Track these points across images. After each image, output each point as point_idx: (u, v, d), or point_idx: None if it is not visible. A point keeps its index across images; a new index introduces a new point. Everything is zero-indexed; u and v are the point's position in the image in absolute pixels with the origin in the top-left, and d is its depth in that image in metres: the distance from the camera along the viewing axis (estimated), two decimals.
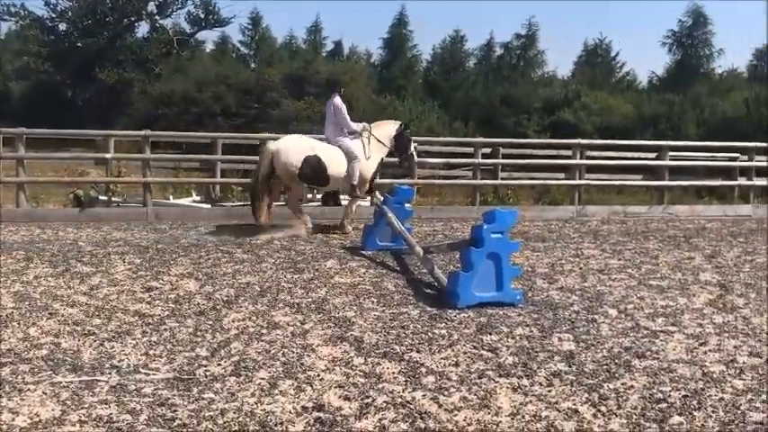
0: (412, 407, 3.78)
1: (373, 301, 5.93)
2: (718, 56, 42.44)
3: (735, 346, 4.95)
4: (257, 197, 9.35)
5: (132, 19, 35.46)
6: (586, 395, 4.00)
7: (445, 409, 3.75)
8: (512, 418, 3.66)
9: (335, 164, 9.37)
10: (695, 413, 3.79)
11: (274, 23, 75.52)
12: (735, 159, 14.87)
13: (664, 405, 3.89)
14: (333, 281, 6.66)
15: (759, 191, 14.46)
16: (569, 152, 13.48)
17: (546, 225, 11.02)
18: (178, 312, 5.58)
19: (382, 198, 9.04)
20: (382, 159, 10.02)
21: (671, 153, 13.76)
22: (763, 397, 4.04)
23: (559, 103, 32.07)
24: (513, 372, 4.34)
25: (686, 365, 4.54)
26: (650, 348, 4.86)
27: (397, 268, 7.37)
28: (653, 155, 14.05)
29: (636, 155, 14.82)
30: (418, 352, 4.67)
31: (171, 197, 13.17)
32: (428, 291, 6.40)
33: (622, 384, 4.18)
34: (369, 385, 4.07)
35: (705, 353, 4.81)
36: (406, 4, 56.31)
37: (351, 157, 9.46)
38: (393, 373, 4.28)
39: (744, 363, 4.63)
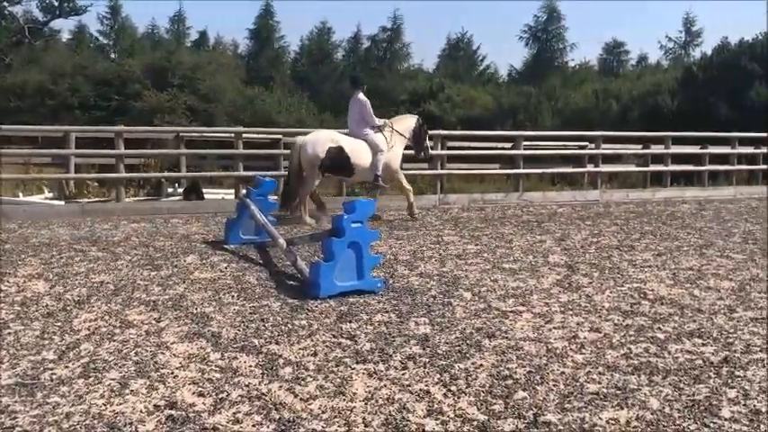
0: (267, 398, 3.78)
1: (233, 296, 5.87)
2: (571, 50, 45.02)
3: (577, 323, 5.28)
4: (291, 192, 9.74)
5: None
6: (438, 376, 4.15)
7: (301, 399, 3.78)
8: (365, 403, 3.74)
9: (359, 155, 9.86)
10: (538, 387, 4.02)
11: (135, 13, 72.84)
12: (584, 147, 15.81)
13: (509, 381, 4.10)
14: (192, 277, 6.52)
15: (606, 177, 15.48)
16: (432, 143, 13.83)
17: None
18: (24, 315, 5.28)
19: (245, 190, 8.95)
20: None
21: (526, 143, 14.45)
22: (600, 369, 4.34)
23: (425, 96, 32.90)
24: (369, 358, 4.43)
25: (532, 343, 4.80)
26: (500, 328, 5.10)
27: (261, 261, 7.32)
28: (509, 144, 14.69)
29: (494, 144, 15.44)
30: (277, 344, 4.67)
31: (21, 194, 12.44)
32: (291, 282, 6.41)
33: (472, 364, 4.36)
34: (224, 380, 4.04)
35: (550, 330, 5.10)
36: None
37: (376, 150, 9.97)
38: (250, 366, 4.26)
39: (584, 338, 4.94)
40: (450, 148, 14.41)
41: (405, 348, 4.62)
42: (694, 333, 5.08)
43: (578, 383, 4.10)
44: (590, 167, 15.24)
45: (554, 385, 4.07)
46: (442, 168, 13.56)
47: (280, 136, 14.43)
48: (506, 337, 4.89)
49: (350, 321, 5.19)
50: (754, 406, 3.81)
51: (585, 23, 72.18)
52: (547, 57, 42.99)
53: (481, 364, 4.36)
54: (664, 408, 3.78)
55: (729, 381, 4.17)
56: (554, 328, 5.16)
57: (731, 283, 6.64)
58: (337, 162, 9.71)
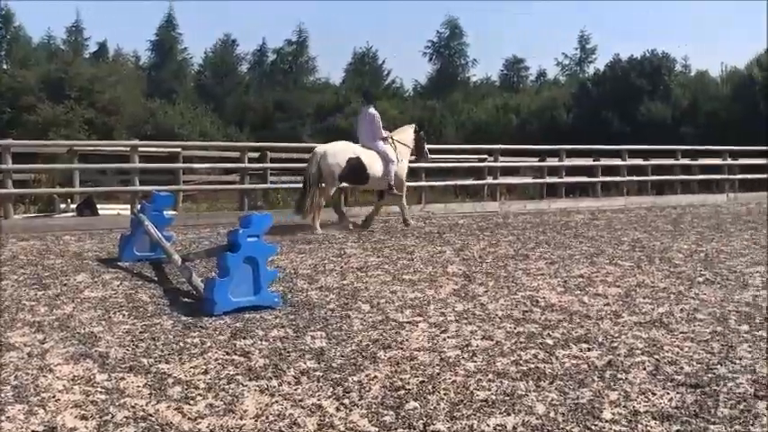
0: (154, 419, 3.67)
1: (124, 314, 5.68)
2: (473, 65, 46.20)
3: (471, 332, 5.39)
4: (306, 197, 10.35)
5: None
6: (332, 390, 4.14)
7: (189, 418, 3.70)
8: (256, 420, 3.70)
9: (374, 165, 10.56)
10: (429, 397, 4.08)
11: (29, 22, 69.92)
12: (483, 161, 16.22)
13: (402, 392, 4.13)
14: (82, 296, 6.28)
15: (505, 188, 15.92)
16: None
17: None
18: None
19: (140, 205, 8.72)
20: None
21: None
22: (490, 376, 4.44)
23: (331, 109, 33.00)
24: (262, 374, 4.38)
25: (427, 353, 4.86)
26: (396, 339, 5.14)
27: (155, 278, 7.14)
28: (413, 157, 14.88)
29: None
30: (167, 363, 4.55)
31: None
32: (186, 300, 6.27)
33: (366, 376, 4.38)
34: (110, 402, 3.89)
35: (444, 339, 5.18)
36: (174, 4, 54.46)
37: (388, 160, 10.69)
38: (138, 386, 4.13)
39: (477, 346, 5.05)
40: None
41: (299, 363, 4.59)
42: (581, 338, 5.27)
43: (468, 391, 4.18)
44: (490, 180, 15.63)
45: (445, 394, 4.13)
46: None
47: (179, 149, 14.13)
48: (402, 348, 4.94)
49: (244, 338, 5.12)
50: (634, 407, 3.99)
51: (486, 40, 74.38)
52: (450, 72, 43.95)
53: (375, 376, 4.38)
54: (549, 412, 3.90)
55: (612, 383, 4.35)
56: (448, 337, 5.25)
57: (618, 289, 6.94)
58: (355, 172, 10.45)
